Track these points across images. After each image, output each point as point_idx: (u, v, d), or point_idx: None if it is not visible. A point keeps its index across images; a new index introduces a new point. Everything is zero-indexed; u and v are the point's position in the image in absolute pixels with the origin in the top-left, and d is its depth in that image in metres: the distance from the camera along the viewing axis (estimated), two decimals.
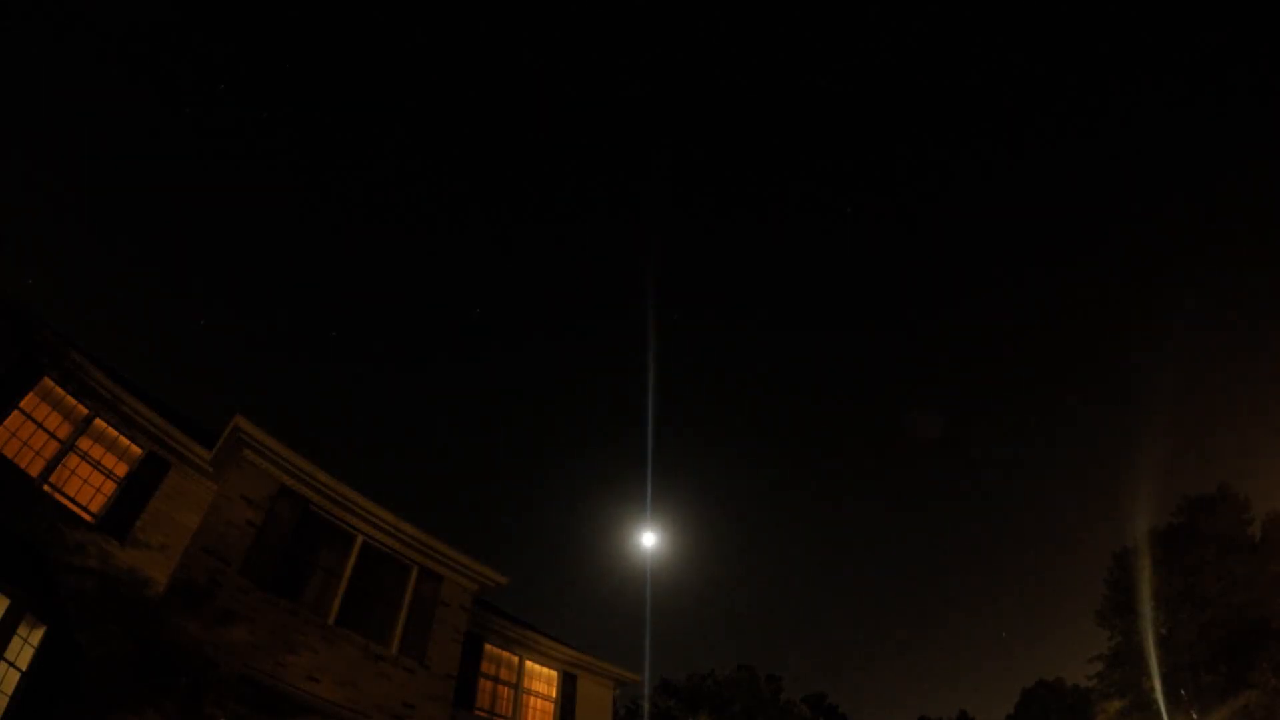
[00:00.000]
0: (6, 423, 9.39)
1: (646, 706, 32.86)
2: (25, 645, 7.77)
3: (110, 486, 10.23)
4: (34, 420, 9.72)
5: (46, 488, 9.52)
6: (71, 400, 10.17)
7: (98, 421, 10.37)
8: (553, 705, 14.76)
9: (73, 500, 9.76)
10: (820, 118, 71.23)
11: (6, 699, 7.45)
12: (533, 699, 14.56)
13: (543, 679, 14.98)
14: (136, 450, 10.67)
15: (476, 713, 13.30)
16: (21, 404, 9.61)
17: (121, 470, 10.44)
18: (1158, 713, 28.89)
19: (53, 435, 9.86)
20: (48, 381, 9.96)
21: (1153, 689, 29.21)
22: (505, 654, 14.45)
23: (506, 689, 14.19)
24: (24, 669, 7.67)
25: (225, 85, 56.71)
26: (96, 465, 10.22)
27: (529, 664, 14.79)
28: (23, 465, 9.41)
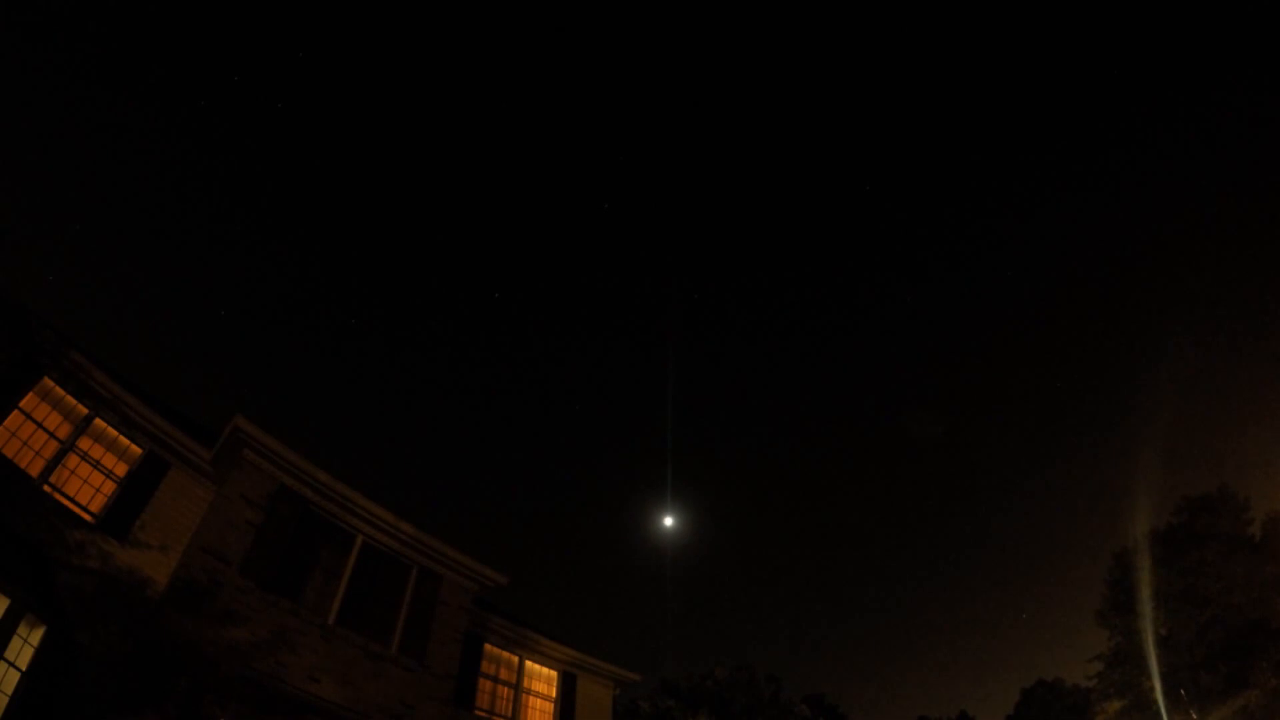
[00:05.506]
0: (6, 423, 9.39)
1: (665, 702, 32.37)
2: (25, 645, 7.79)
3: (110, 486, 10.23)
4: (34, 420, 9.72)
5: (46, 488, 9.52)
6: (71, 400, 10.17)
7: (98, 421, 10.38)
8: (552, 705, 14.76)
9: (73, 500, 9.76)
10: (821, 111, 71.28)
11: (6, 699, 7.46)
12: (532, 699, 14.57)
13: (543, 679, 14.99)
14: (136, 450, 10.67)
15: (476, 713, 13.30)
16: (21, 404, 9.61)
17: (121, 470, 10.44)
18: (1157, 713, 28.91)
19: (53, 435, 9.86)
20: (48, 381, 9.96)
21: (1153, 689, 29.23)
22: (505, 654, 14.45)
23: (506, 689, 14.19)
24: (24, 669, 7.68)
25: (238, 77, 56.46)
26: (96, 465, 10.22)
27: (529, 664, 14.79)
28: (23, 465, 9.40)
